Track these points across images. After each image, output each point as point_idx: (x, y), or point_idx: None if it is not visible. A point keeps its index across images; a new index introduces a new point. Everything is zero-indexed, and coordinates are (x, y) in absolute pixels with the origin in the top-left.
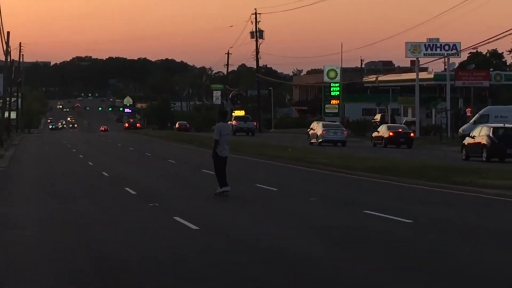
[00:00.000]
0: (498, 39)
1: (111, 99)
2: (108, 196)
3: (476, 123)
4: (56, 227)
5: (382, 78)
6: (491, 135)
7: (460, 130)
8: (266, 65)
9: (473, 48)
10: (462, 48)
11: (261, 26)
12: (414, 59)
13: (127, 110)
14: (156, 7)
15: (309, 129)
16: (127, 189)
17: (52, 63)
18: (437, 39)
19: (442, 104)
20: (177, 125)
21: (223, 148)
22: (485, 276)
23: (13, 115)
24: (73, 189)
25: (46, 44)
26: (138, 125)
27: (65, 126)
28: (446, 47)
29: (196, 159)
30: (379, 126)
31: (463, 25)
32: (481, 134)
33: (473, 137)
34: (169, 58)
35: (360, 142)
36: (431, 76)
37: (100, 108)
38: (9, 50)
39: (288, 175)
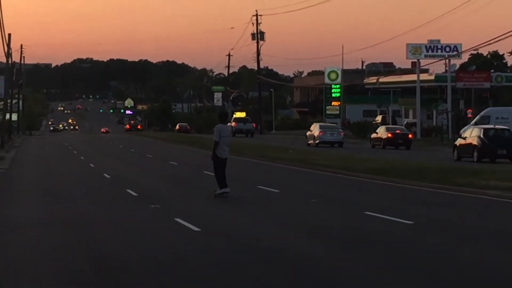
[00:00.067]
0: (499, 40)
1: (112, 101)
2: (109, 197)
3: (477, 124)
4: (57, 228)
5: (383, 79)
6: (481, 136)
7: (461, 131)
8: (267, 67)
9: (474, 50)
10: (463, 50)
11: (262, 27)
12: (415, 60)
13: (128, 112)
14: (157, 9)
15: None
16: (128, 190)
17: (53, 65)
18: (438, 41)
19: (443, 105)
20: (177, 127)
21: (222, 149)
22: (486, 276)
23: (14, 117)
24: (74, 190)
25: (47, 46)
26: (139, 126)
27: (66, 128)
28: (447, 49)
29: (197, 160)
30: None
31: (464, 27)
32: (472, 135)
33: (464, 138)
34: (170, 59)
35: (361, 143)
36: (432, 77)
37: (101, 110)
38: (10, 52)
39: (289, 176)
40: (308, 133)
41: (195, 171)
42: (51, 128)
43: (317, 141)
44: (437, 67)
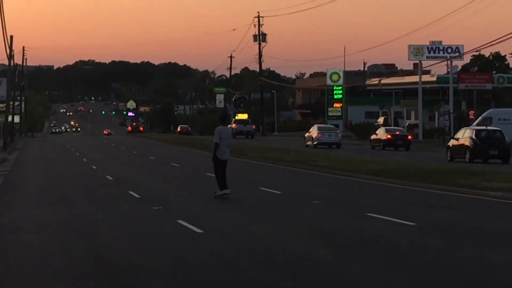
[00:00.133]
0: (501, 41)
1: (114, 103)
2: (112, 199)
3: (479, 125)
4: (59, 230)
5: (385, 81)
6: (473, 137)
7: None
8: (269, 68)
9: (476, 51)
10: (465, 51)
11: (264, 29)
12: (417, 62)
13: (130, 113)
14: (158, 11)
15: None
16: (131, 192)
17: (55, 67)
18: (440, 42)
19: (445, 107)
20: (179, 129)
21: (223, 151)
22: (488, 278)
23: (17, 119)
24: (76, 192)
25: (49, 48)
26: (141, 128)
27: (68, 130)
28: (449, 50)
29: (199, 162)
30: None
31: (466, 28)
32: (464, 136)
33: (457, 139)
34: (172, 61)
35: (363, 145)
36: (434, 79)
37: (103, 112)
38: (12, 54)
39: (291, 178)
40: (307, 134)
41: (197, 172)
42: (54, 130)
43: (315, 142)
44: (439, 68)
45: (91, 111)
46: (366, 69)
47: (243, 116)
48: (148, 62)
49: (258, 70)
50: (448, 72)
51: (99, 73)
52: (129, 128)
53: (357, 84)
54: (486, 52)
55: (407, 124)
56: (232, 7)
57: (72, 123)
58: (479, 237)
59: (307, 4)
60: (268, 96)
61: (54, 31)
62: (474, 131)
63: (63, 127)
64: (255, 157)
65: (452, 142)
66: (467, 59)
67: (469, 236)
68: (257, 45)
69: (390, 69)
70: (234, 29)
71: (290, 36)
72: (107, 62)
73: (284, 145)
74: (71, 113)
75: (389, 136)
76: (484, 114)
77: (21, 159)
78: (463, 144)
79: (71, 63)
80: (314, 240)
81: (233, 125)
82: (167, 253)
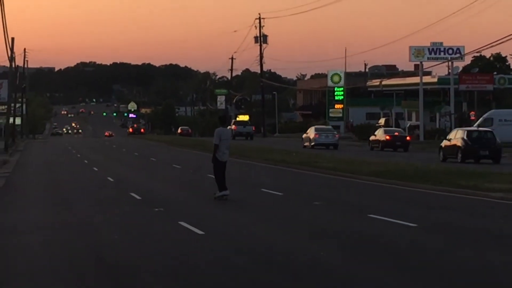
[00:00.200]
0: (502, 42)
1: (115, 105)
2: (113, 201)
3: (480, 127)
4: (60, 231)
5: (386, 82)
6: (465, 137)
7: None
8: (270, 70)
9: (476, 52)
10: (465, 52)
11: (265, 31)
12: (418, 63)
13: (131, 115)
14: (159, 12)
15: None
16: (132, 194)
17: (56, 69)
18: (441, 43)
19: (446, 108)
20: (179, 130)
21: (222, 152)
22: (490, 279)
23: (18, 121)
24: (78, 194)
25: (51, 50)
26: (142, 130)
27: (69, 131)
28: (450, 51)
29: (200, 163)
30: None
31: (466, 29)
32: (456, 137)
33: (449, 140)
34: (173, 63)
35: (363, 146)
36: (435, 80)
37: (104, 114)
38: (13, 56)
39: (292, 179)
40: (304, 135)
41: (198, 174)
42: (54, 132)
43: (312, 143)
44: (440, 69)
45: (92, 112)
46: (367, 70)
47: (244, 118)
48: (149, 64)
49: (259, 71)
50: (449, 73)
51: (100, 74)
52: (130, 129)
53: (358, 85)
54: (487, 53)
55: (408, 125)
56: (233, 9)
57: (73, 125)
58: (480, 238)
59: (308, 5)
60: (269, 98)
61: (55, 33)
62: (466, 132)
63: (64, 129)
64: (256, 158)
65: (444, 143)
66: (468, 60)
67: (470, 237)
68: (258, 47)
69: (391, 70)
70: (235, 31)
71: (291, 38)
72: (108, 64)
73: (285, 146)
74: (72, 115)
75: (387, 137)
76: (485, 115)
77: (22, 161)
78: (455, 145)
79: (72, 64)
80: (315, 241)
81: (233, 127)
82: (168, 255)
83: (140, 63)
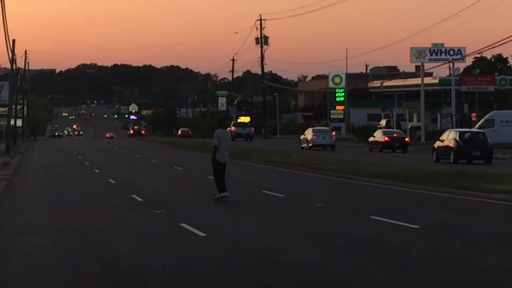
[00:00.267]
0: (503, 43)
1: (116, 106)
2: (114, 203)
3: (481, 128)
4: (62, 234)
5: (387, 83)
6: (457, 138)
7: None
8: (271, 71)
9: (478, 53)
10: (467, 53)
11: (266, 32)
12: (419, 64)
13: (132, 117)
14: (160, 14)
15: None
16: (134, 196)
17: (57, 71)
18: (442, 44)
19: (447, 109)
20: (179, 132)
21: (222, 154)
22: (491, 281)
23: (19, 122)
24: (79, 196)
25: (52, 51)
26: (143, 132)
27: (70, 133)
28: (451, 52)
29: (201, 165)
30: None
31: (467, 30)
32: (449, 138)
33: (442, 141)
34: (174, 64)
35: (365, 147)
36: (436, 81)
37: (105, 115)
38: (14, 58)
39: (294, 181)
40: (302, 136)
41: (199, 176)
42: (55, 133)
43: (310, 144)
44: (441, 70)
45: (93, 114)
46: (368, 71)
47: (245, 119)
48: (150, 66)
49: (260, 73)
50: (450, 74)
51: (101, 76)
52: (131, 131)
53: (359, 87)
54: (488, 54)
55: (409, 127)
56: (234, 10)
57: (74, 126)
58: (481, 240)
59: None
60: (270, 99)
61: (56, 35)
62: (458, 133)
63: (65, 131)
64: (257, 160)
65: (437, 144)
66: (469, 61)
67: (472, 238)
68: (259, 48)
69: (392, 72)
70: (236, 32)
71: (292, 39)
72: (109, 66)
73: (286, 148)
74: (73, 117)
75: (386, 139)
76: (486, 116)
77: (23, 163)
78: (447, 146)
79: (73, 66)
80: (317, 242)
81: (232, 128)
82: (170, 256)
83: (141, 65)
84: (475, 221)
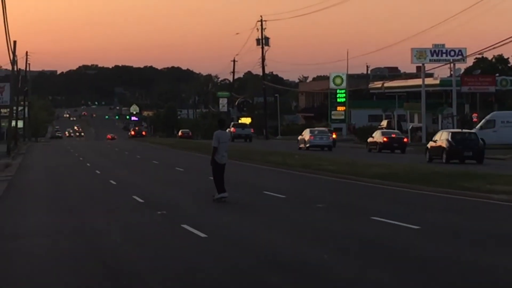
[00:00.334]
0: (504, 44)
1: (117, 107)
2: (116, 204)
3: (482, 128)
4: (64, 235)
5: (388, 84)
6: (449, 139)
7: None
8: (272, 72)
9: (478, 54)
10: (467, 54)
11: (267, 33)
12: (420, 65)
13: (133, 118)
14: (161, 15)
15: None
16: (135, 197)
17: (58, 72)
18: (443, 45)
19: (448, 109)
20: (180, 133)
21: (221, 155)
22: (492, 282)
23: (20, 124)
24: (80, 197)
25: (53, 53)
26: (143, 133)
27: (72, 134)
28: (452, 53)
29: (202, 166)
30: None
31: (468, 31)
32: (441, 138)
33: (435, 141)
34: (175, 66)
35: (365, 148)
36: (437, 82)
37: (107, 117)
38: (15, 59)
39: (295, 181)
40: (300, 137)
41: (200, 177)
42: (55, 135)
43: (307, 145)
44: (442, 71)
45: (94, 115)
46: (369, 72)
47: (246, 120)
48: (151, 67)
49: (261, 74)
50: (451, 75)
51: (103, 77)
52: (132, 132)
53: (360, 88)
54: (489, 55)
55: (410, 127)
56: (235, 12)
57: (75, 128)
58: (483, 241)
59: (309, 8)
60: (271, 100)
61: (57, 36)
62: (450, 134)
63: (66, 132)
64: (258, 161)
65: (430, 144)
66: (470, 62)
67: (473, 239)
68: (260, 49)
69: (393, 72)
70: (237, 33)
71: (293, 40)
72: (110, 67)
73: (287, 149)
74: (74, 118)
75: (385, 139)
76: (487, 117)
77: (24, 164)
78: (440, 146)
79: (74, 67)
80: (318, 243)
81: (232, 129)
82: (171, 258)
83: (142, 66)
84: (476, 221)
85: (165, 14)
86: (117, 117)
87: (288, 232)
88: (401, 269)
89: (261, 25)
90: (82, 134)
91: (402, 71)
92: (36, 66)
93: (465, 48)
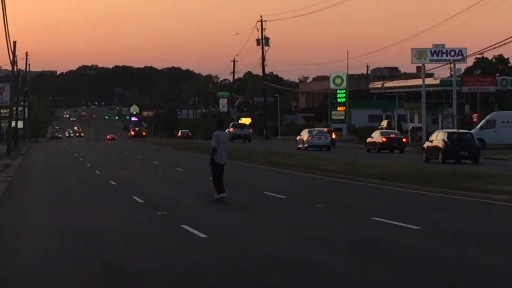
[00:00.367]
0: (504, 44)
1: (117, 108)
2: (116, 205)
3: (482, 128)
4: (63, 236)
5: (388, 84)
6: (445, 139)
7: None
8: (272, 72)
9: (479, 54)
10: (468, 54)
11: (267, 33)
12: (420, 65)
13: (133, 118)
14: (161, 16)
15: None
16: (135, 197)
17: (58, 72)
18: (443, 45)
19: (448, 110)
20: (179, 134)
21: (220, 155)
22: (493, 281)
23: (20, 124)
24: (81, 198)
25: (53, 53)
26: (143, 133)
27: (71, 135)
28: (452, 53)
29: (202, 167)
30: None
31: (469, 31)
32: (437, 138)
33: (431, 141)
34: (175, 66)
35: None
36: (437, 82)
37: (106, 117)
38: (15, 59)
39: (295, 182)
40: (298, 137)
41: (200, 177)
42: (54, 135)
43: (305, 145)
44: (442, 71)
45: (94, 116)
46: (369, 72)
47: (246, 121)
48: (151, 67)
49: (261, 74)
50: (451, 75)
51: (102, 78)
52: (132, 132)
53: (360, 88)
54: (489, 55)
55: (410, 127)
56: (235, 12)
57: (75, 128)
58: (483, 241)
59: (310, 8)
60: (271, 100)
61: (57, 36)
62: (446, 134)
63: (66, 133)
64: (258, 161)
65: (426, 144)
66: (470, 62)
67: (473, 239)
68: (260, 49)
69: (393, 73)
70: (237, 34)
71: (293, 40)
72: (110, 67)
73: (287, 149)
74: (74, 119)
75: (384, 139)
76: (487, 117)
77: (24, 165)
78: (436, 146)
79: (74, 68)
80: (319, 243)
81: (231, 129)
82: (171, 258)
83: (142, 66)
84: (476, 221)
85: (165, 14)
86: (117, 117)
87: (288, 232)
88: (401, 269)
89: (261, 25)
90: (82, 134)
91: (402, 71)
92: (36, 66)
93: (465, 48)
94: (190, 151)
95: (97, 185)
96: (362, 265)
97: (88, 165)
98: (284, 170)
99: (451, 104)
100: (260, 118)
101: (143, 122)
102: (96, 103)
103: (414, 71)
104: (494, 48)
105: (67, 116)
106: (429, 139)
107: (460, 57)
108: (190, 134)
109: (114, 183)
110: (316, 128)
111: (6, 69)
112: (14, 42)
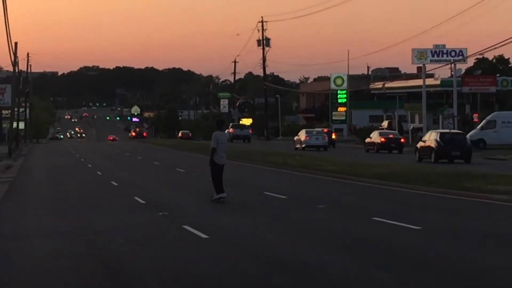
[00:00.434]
0: (505, 44)
1: (118, 109)
2: (117, 205)
3: (483, 129)
4: (64, 237)
5: (389, 84)
6: (438, 139)
7: (468, 136)
8: (273, 73)
9: (479, 54)
10: (468, 54)
11: (267, 34)
12: (421, 65)
13: (134, 119)
14: (162, 16)
15: None
16: (136, 198)
17: (59, 73)
18: (444, 45)
19: (449, 110)
20: (180, 134)
21: (220, 156)
22: (493, 282)
23: (22, 125)
24: (82, 198)
25: (54, 54)
26: (144, 134)
27: (73, 136)
28: (453, 53)
29: (203, 167)
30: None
31: (469, 31)
32: (430, 138)
33: (424, 141)
34: (176, 67)
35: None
36: (438, 82)
37: (108, 118)
38: (17, 60)
39: (296, 182)
40: (296, 138)
41: (201, 177)
42: (55, 136)
43: (303, 145)
44: (443, 71)
45: (95, 117)
46: (370, 73)
47: (247, 121)
48: (152, 68)
49: (262, 74)
50: (452, 75)
51: (104, 79)
52: (133, 133)
53: (361, 88)
54: (490, 55)
55: (411, 128)
56: (235, 12)
57: (76, 129)
58: (483, 241)
59: (310, 8)
60: (272, 101)
61: (58, 37)
62: (439, 134)
63: (67, 133)
64: (258, 161)
65: (420, 144)
66: (470, 62)
67: (473, 239)
68: (261, 50)
69: (394, 73)
70: (238, 34)
71: (294, 41)
72: (112, 68)
73: (288, 150)
74: (75, 119)
75: (382, 140)
76: (488, 117)
77: (26, 165)
78: (429, 146)
79: (75, 69)
80: (319, 243)
81: (230, 130)
82: (171, 258)
83: (143, 67)
84: (476, 221)
85: (165, 15)
86: (118, 118)
87: (288, 232)
88: (401, 269)
89: (262, 26)
90: (83, 135)
91: (402, 72)
92: (37, 67)
93: (466, 49)
94: (190, 151)
95: (98, 185)
96: (362, 265)
97: (89, 165)
98: (284, 170)
99: (452, 105)
100: (261, 119)
101: (144, 123)
102: (97, 104)
103: (415, 71)
104: (495, 48)
105: (68, 117)
106: (422, 139)
107: (460, 57)
108: (190, 134)
109: (115, 184)
110: (315, 129)
111: (7, 70)
112: (15, 43)
